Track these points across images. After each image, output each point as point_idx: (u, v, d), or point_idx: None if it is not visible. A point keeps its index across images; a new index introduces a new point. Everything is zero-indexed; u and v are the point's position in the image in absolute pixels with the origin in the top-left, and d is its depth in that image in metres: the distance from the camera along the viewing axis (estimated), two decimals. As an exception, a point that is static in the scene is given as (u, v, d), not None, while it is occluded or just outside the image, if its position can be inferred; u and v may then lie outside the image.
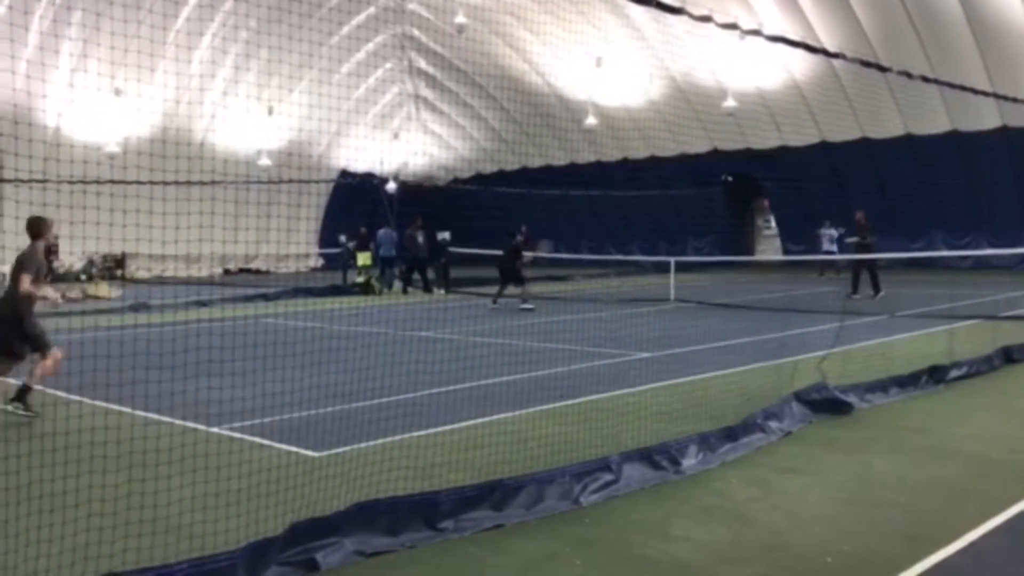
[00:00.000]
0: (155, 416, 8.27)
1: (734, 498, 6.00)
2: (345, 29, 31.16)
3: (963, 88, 13.40)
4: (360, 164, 38.61)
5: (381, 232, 26.46)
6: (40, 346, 8.89)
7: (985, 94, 14.52)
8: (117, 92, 25.70)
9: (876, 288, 19.99)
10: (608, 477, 6.16)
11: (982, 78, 24.86)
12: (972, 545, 5.08)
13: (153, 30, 21.53)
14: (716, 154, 33.80)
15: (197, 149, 30.64)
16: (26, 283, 8.51)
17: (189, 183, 21.46)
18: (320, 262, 39.39)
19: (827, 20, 27.48)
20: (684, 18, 8.33)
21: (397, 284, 26.24)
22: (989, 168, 28.83)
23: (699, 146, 33.47)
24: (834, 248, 26.73)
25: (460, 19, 26.69)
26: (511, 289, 20.31)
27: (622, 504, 5.89)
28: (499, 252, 21.59)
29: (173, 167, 22.29)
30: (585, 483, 6.01)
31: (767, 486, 6.27)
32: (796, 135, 31.42)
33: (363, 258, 26.47)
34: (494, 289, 20.81)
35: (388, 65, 36.77)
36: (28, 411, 8.59)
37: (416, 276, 25.71)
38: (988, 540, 5.17)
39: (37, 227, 8.86)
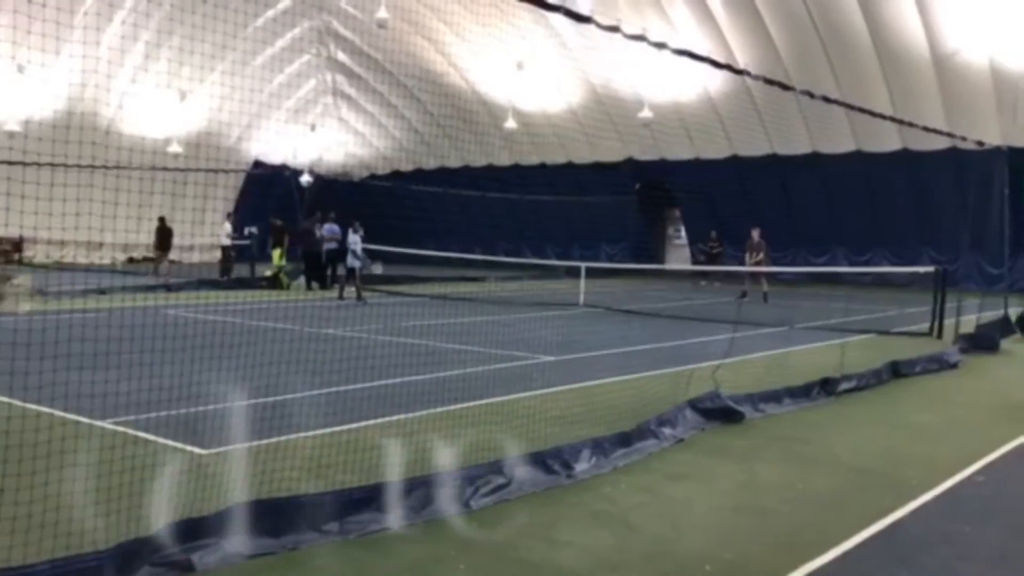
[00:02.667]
0: (34, 407, 7.95)
1: (622, 504, 6.05)
2: (260, 21, 30.58)
3: (862, 110, 13.83)
4: (274, 156, 37.94)
5: (326, 227, 25.75)
6: None
7: (884, 117, 15.01)
8: (20, 69, 24.68)
9: (745, 293, 22.43)
10: (500, 480, 6.15)
11: (886, 102, 25.80)
12: (847, 554, 5.23)
13: (60, 13, 20.70)
14: (631, 162, 34.27)
15: (103, 135, 29.60)
16: None
17: (92, 167, 20.73)
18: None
19: (743, 38, 28.12)
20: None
21: (301, 279, 25.74)
22: (890, 188, 29.93)
23: (615, 154, 33.89)
24: None
25: (382, 14, 26.41)
26: None
27: (512, 508, 5.89)
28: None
29: (76, 152, 21.47)
30: (476, 486, 5.99)
31: (656, 493, 6.35)
32: (709, 148, 32.07)
33: (276, 255, 26.00)
34: (408, 287, 20.57)
35: (305, 58, 36.23)
36: None
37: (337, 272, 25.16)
38: (862, 549, 5.33)
39: None
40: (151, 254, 29.18)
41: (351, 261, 21.31)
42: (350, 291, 21.60)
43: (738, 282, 24.94)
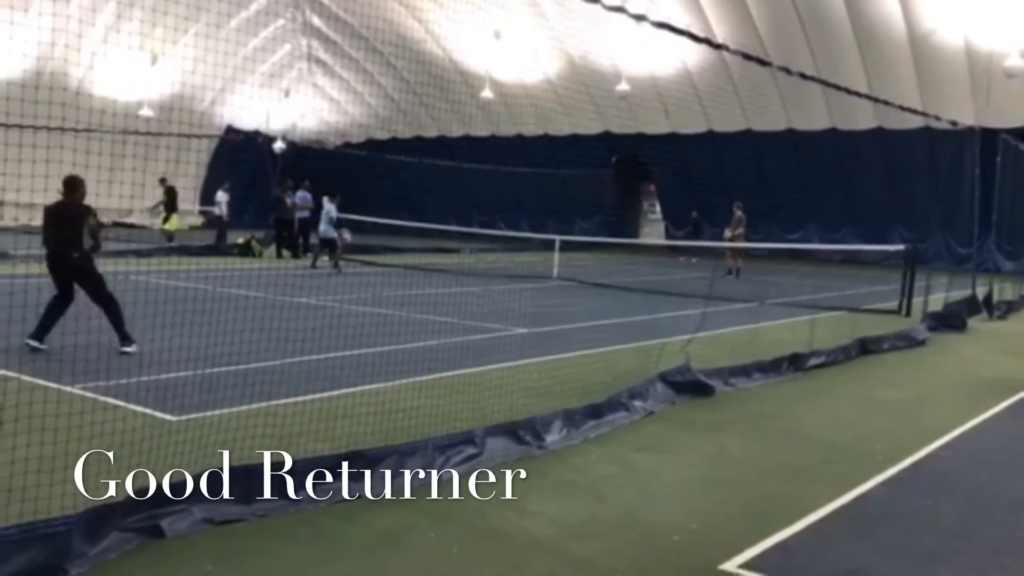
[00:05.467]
0: (1, 371, 7.86)
1: (592, 474, 6.10)
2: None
3: (838, 88, 13.85)
4: (247, 121, 37.48)
5: (299, 195, 25.46)
6: None
7: (859, 95, 15.01)
8: (-13, 26, 24.11)
9: (731, 270, 22.96)
10: (471, 450, 6.17)
11: (862, 80, 25.90)
12: (813, 525, 5.31)
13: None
14: (608, 136, 34.23)
15: (72, 96, 29.08)
16: None
17: (62, 129, 20.36)
18: (201, 220, 38.15)
19: (722, 13, 28.05)
20: (576, -3, 8.32)
21: (272, 247, 25.50)
22: (863, 166, 30.13)
23: (591, 127, 33.83)
24: None
25: (357, -21, 26.10)
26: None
27: (483, 478, 5.90)
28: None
29: (46, 113, 21.06)
30: (448, 456, 6.00)
31: (625, 464, 6.40)
32: (685, 123, 32.09)
33: (168, 220, 25.64)
34: (381, 258, 20.43)
35: (280, 22, 35.74)
36: None
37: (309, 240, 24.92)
38: (828, 520, 5.42)
39: None
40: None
41: (327, 231, 21.11)
42: (323, 260, 21.47)
43: (715, 257, 24.97)
